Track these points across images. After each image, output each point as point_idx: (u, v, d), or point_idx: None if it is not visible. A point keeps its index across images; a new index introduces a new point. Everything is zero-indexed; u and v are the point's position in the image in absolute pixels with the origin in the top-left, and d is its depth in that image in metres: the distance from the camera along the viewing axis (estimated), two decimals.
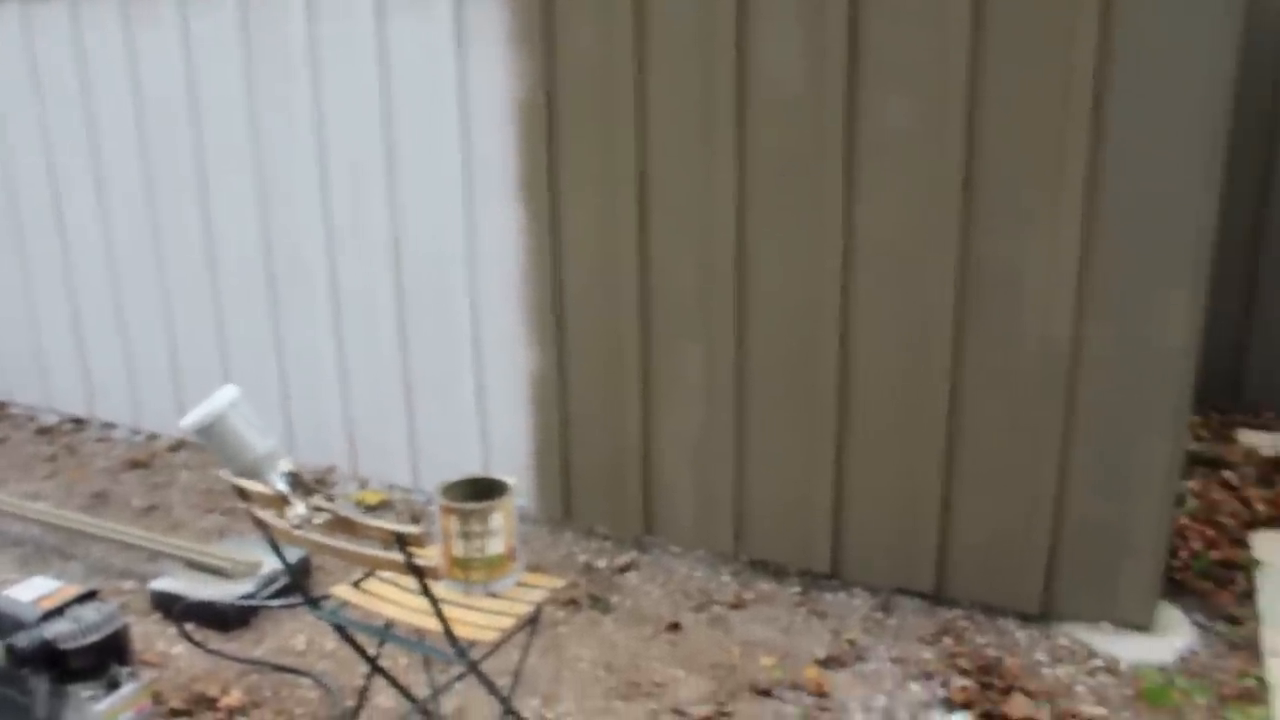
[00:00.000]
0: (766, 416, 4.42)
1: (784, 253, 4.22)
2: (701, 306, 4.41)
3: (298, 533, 2.91)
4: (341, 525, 2.91)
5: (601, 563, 4.72)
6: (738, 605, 4.38)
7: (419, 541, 2.71)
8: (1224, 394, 6.20)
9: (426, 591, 2.82)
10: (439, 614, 2.88)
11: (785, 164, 4.14)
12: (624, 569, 4.66)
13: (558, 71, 4.46)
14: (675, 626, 4.23)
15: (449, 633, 2.93)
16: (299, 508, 2.90)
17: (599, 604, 4.39)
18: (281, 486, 2.97)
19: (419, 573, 2.78)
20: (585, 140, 4.48)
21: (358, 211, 5.09)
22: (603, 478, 4.81)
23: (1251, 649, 4.05)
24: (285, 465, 3.04)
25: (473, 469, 4.96)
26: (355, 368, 5.34)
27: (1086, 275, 3.79)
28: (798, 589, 4.48)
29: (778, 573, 4.58)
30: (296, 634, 4.20)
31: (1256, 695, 3.78)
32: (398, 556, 2.76)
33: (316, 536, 2.93)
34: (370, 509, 5.23)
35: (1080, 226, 3.74)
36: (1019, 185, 3.82)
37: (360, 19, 4.83)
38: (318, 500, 2.92)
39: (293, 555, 4.14)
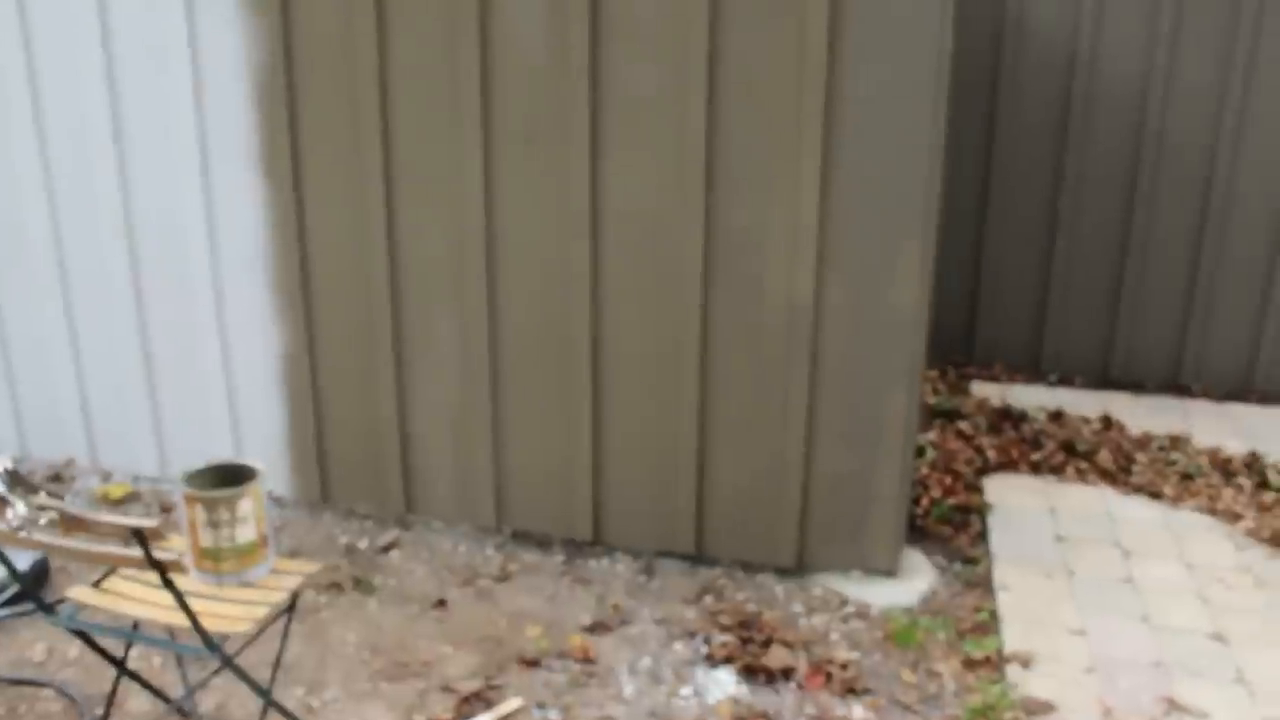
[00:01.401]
0: (522, 386, 4.42)
1: (533, 220, 4.21)
2: (452, 276, 4.35)
3: (21, 535, 2.71)
4: (72, 524, 2.73)
5: (363, 543, 4.62)
6: (503, 578, 4.38)
7: (157, 534, 2.59)
8: (958, 350, 6.60)
9: (170, 586, 2.69)
10: (185, 609, 2.75)
11: (531, 131, 4.12)
12: (387, 548, 4.58)
13: (295, 35, 4.28)
14: (441, 603, 4.19)
15: (198, 627, 2.81)
16: (19, 508, 2.69)
17: (362, 585, 4.30)
18: None
19: (160, 567, 2.64)
20: (327, 108, 4.32)
21: (83, 181, 4.74)
22: (360, 457, 4.70)
23: (985, 586, 4.36)
24: (2, 463, 2.82)
25: (223, 454, 4.75)
26: (90, 352, 5.00)
27: (825, 236, 3.94)
28: (562, 558, 4.52)
29: (542, 543, 4.60)
30: (35, 643, 3.92)
31: (989, 627, 4.07)
32: (135, 552, 2.62)
33: (44, 538, 2.74)
34: (115, 503, 4.94)
35: (818, 189, 3.89)
36: (759, 150, 3.93)
37: None
38: (41, 499, 2.73)
39: (25, 559, 3.88)
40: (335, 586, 4.28)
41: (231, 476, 3.17)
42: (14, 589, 4.00)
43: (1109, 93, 6.03)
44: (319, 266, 4.52)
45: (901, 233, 3.89)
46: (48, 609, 3.10)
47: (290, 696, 3.63)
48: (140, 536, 2.57)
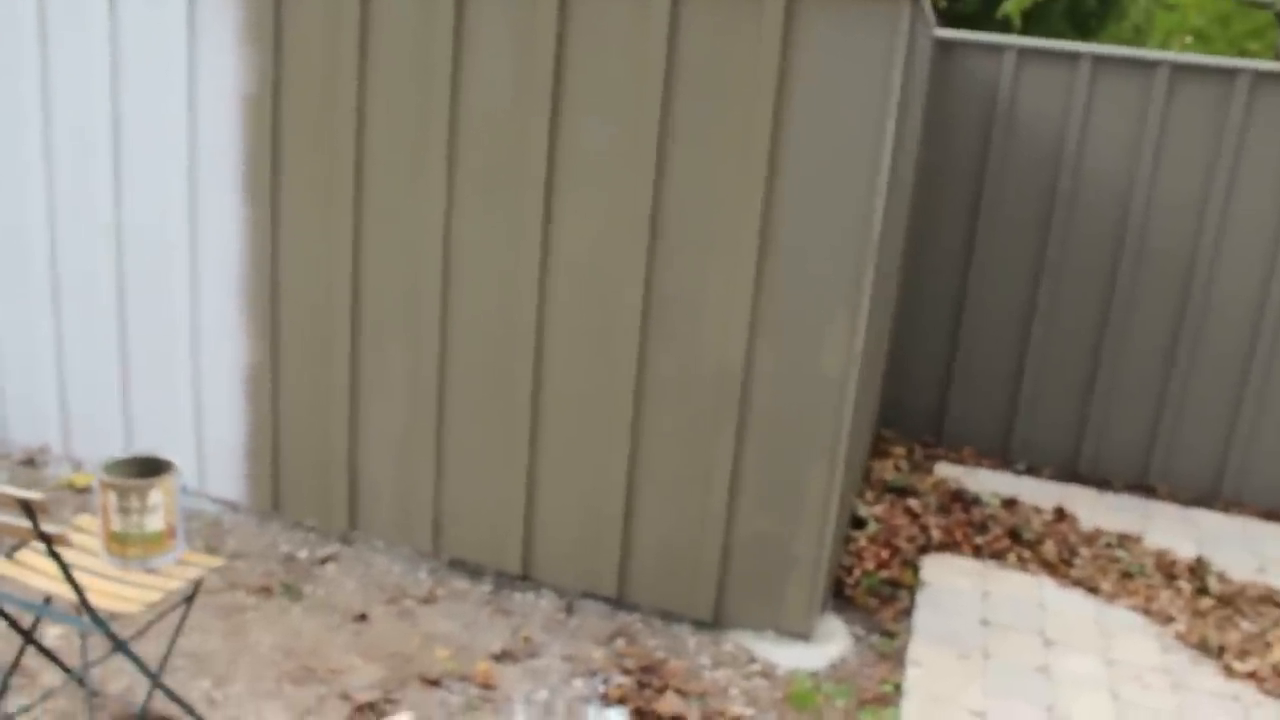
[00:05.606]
0: (466, 421, 4.57)
1: (486, 263, 4.40)
2: (409, 309, 4.54)
3: None
4: None
5: (303, 554, 4.77)
6: (428, 600, 4.50)
7: (44, 508, 2.75)
8: (929, 430, 6.68)
9: (56, 557, 2.85)
10: (70, 580, 2.91)
11: (491, 178, 4.32)
12: (325, 561, 4.73)
13: (284, 73, 4.52)
14: (362, 617, 4.33)
15: (84, 602, 2.97)
16: None
17: (290, 592, 4.44)
18: None
19: (46, 539, 2.81)
20: (307, 141, 4.55)
21: (81, 188, 5.00)
22: (311, 471, 4.87)
23: (898, 659, 4.41)
24: None
25: (184, 454, 4.94)
26: (72, 347, 5.23)
27: (759, 303, 4.08)
28: (490, 588, 4.63)
29: (474, 572, 4.72)
30: None
31: (890, 699, 4.13)
32: (26, 522, 2.79)
33: None
34: (80, 490, 5.14)
35: (755, 256, 4.03)
36: (702, 216, 4.10)
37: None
38: None
39: None
40: (264, 590, 4.43)
41: (149, 469, 3.36)
42: None
43: (1093, 192, 6.14)
44: (288, 287, 4.73)
45: (833, 303, 4.01)
46: None
47: (195, 687, 3.77)
48: (28, 508, 2.74)
